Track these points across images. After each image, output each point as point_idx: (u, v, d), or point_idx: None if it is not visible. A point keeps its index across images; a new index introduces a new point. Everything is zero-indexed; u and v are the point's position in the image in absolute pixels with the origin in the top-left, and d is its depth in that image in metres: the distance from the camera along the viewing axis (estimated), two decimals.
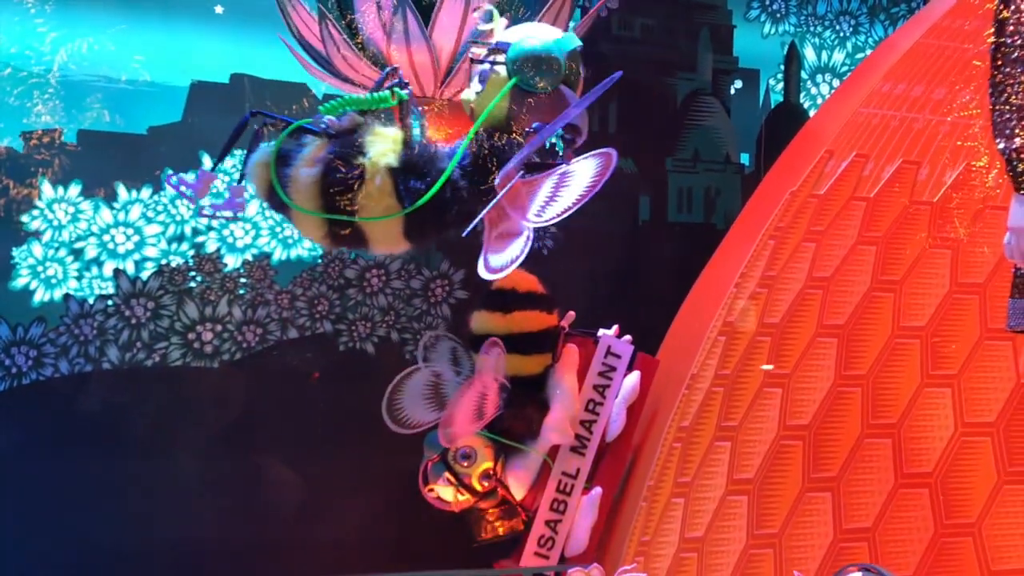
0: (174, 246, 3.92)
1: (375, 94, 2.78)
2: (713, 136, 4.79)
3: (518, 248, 2.68)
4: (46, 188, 3.74)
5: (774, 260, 3.75)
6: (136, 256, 3.86)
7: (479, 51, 2.84)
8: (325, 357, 4.14)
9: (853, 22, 5.07)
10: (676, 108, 4.80)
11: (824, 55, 5.05)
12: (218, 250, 3.99)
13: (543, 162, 2.84)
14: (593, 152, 2.78)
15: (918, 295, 3.94)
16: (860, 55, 5.06)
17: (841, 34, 5.05)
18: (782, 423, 3.74)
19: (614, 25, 4.59)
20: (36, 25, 3.70)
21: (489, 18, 2.89)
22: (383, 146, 2.75)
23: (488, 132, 2.77)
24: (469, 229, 2.71)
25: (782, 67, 5.01)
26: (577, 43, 2.85)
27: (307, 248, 4.12)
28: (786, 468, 3.75)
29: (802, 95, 5.02)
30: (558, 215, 2.72)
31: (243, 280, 3.98)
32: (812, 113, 5.04)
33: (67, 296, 3.77)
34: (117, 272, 3.82)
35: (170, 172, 3.62)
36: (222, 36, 3.99)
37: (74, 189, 3.77)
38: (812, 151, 3.94)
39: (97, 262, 3.80)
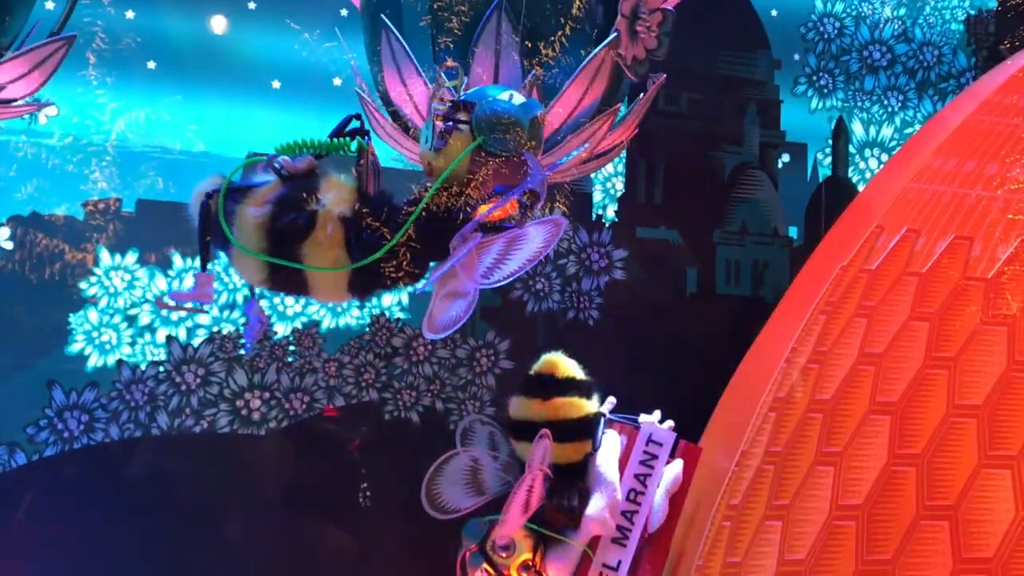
0: (225, 314, 3.98)
1: (335, 140, 2.71)
2: (761, 209, 4.80)
3: (463, 309, 2.60)
4: (103, 255, 3.83)
5: (825, 335, 3.71)
6: (188, 323, 3.92)
7: (441, 107, 2.79)
8: (371, 425, 4.15)
9: (901, 97, 5.08)
10: (723, 181, 4.82)
11: (872, 130, 5.05)
12: (269, 317, 4.04)
13: (497, 224, 2.77)
14: (544, 219, 2.73)
15: (974, 372, 3.86)
16: (909, 130, 5.06)
17: (889, 109, 5.06)
18: (834, 502, 3.65)
19: (660, 100, 4.65)
20: (97, 96, 3.83)
21: (454, 75, 2.85)
22: (338, 194, 2.64)
23: (446, 190, 2.69)
24: (423, 287, 2.68)
25: (830, 141, 5.02)
26: (540, 109, 2.81)
27: (355, 316, 4.16)
28: (839, 549, 3.65)
29: (850, 169, 5.01)
30: (505, 278, 2.65)
31: (292, 348, 4.02)
32: (861, 188, 5.03)
33: (120, 362, 3.83)
34: (169, 339, 3.88)
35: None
36: (279, 108, 4.11)
37: (130, 257, 3.86)
38: (862, 226, 3.92)
39: (150, 328, 3.87)
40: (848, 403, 3.71)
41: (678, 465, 3.52)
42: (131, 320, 3.87)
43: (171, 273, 3.90)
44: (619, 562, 3.44)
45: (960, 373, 3.84)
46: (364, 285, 2.71)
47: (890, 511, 3.72)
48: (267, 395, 3.99)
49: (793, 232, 4.92)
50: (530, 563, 3.37)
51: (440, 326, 2.66)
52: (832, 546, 3.64)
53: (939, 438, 3.79)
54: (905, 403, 3.77)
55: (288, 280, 2.65)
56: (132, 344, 3.87)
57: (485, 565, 3.35)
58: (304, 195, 2.61)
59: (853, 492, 3.69)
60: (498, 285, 2.69)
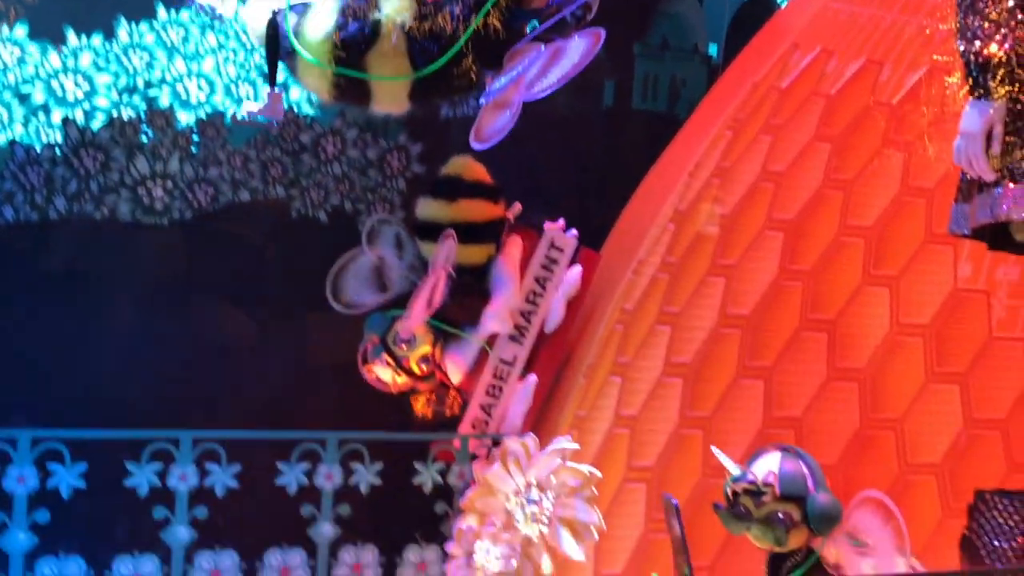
0: (126, 97, 3.83)
1: None
2: (683, 24, 4.72)
3: (507, 119, 2.73)
4: None
5: (730, 150, 3.77)
6: (86, 105, 3.77)
7: None
8: (277, 222, 4.12)
9: None
10: None
11: None
12: (171, 106, 3.91)
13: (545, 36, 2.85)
14: (585, 31, 2.81)
15: (868, 195, 4.00)
16: None
17: None
18: (723, 312, 3.83)
19: None
20: None
21: None
22: (400, 2, 2.71)
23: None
24: (486, 96, 2.76)
25: None
26: None
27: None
28: (723, 355, 3.85)
29: None
30: (547, 89, 2.74)
31: (195, 138, 3.92)
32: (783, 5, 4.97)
33: (13, 143, 3.69)
34: (66, 121, 3.73)
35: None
36: None
37: (20, 30, 3.65)
38: (778, 43, 3.91)
39: (45, 108, 3.72)
40: (746, 219, 3.82)
41: (577, 270, 3.63)
42: (23, 98, 3.70)
43: (65, 50, 3.71)
44: (515, 357, 3.59)
45: (855, 195, 3.97)
46: (426, 94, 2.83)
47: (775, 322, 3.92)
48: (170, 184, 3.92)
49: (713, 50, 4.89)
50: (429, 356, 3.49)
51: (487, 135, 2.77)
52: (717, 351, 3.84)
53: (829, 256, 3.96)
54: (800, 221, 3.90)
55: (352, 90, 2.75)
56: (25, 124, 3.72)
57: (386, 356, 3.46)
58: (366, 4, 2.67)
59: (741, 303, 3.86)
60: (541, 96, 2.76)
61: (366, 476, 3.47)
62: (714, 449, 3.11)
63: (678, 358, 3.79)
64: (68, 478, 3.17)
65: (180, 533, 3.28)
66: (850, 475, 4.03)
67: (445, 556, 3.51)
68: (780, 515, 2.79)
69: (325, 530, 3.44)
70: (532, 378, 3.61)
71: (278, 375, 3.82)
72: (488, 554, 3.37)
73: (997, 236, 3.15)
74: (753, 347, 3.90)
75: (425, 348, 3.48)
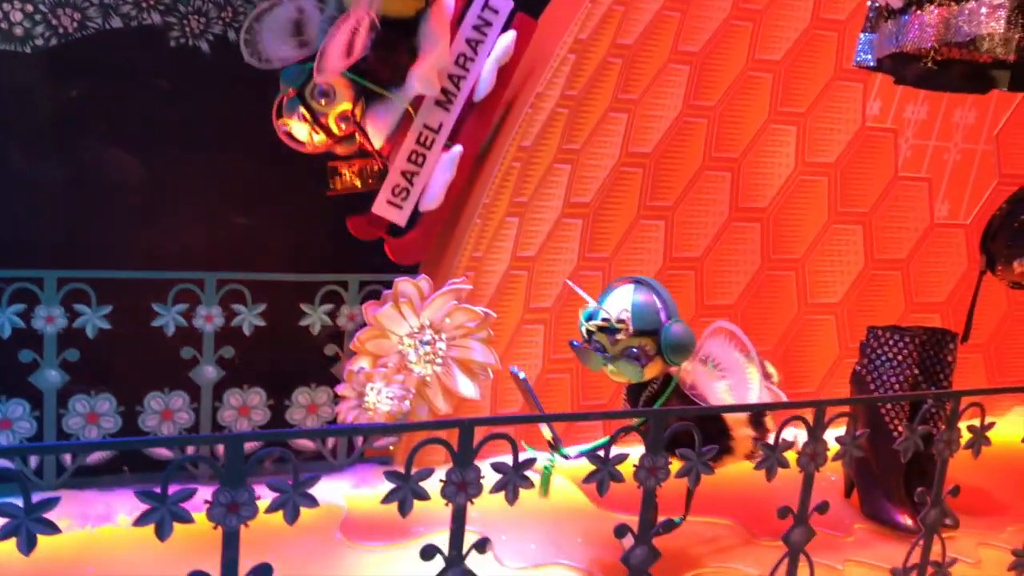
0: None
1: None
2: None
3: None
4: None
5: None
6: None
7: None
8: (154, 52, 3.81)
9: None
10: None
11: None
12: None
13: None
14: None
15: (777, 27, 3.84)
16: None
17: None
18: (624, 149, 3.70)
19: None
20: None
21: None
22: None
23: None
24: None
25: None
26: None
27: None
28: (623, 194, 3.76)
29: None
30: None
31: None
32: None
33: None
34: None
35: None
36: None
37: None
38: None
39: None
40: (650, 51, 3.64)
41: (511, 35, 3.40)
42: None
43: None
44: (440, 125, 3.39)
45: (765, 26, 3.81)
46: None
47: (677, 160, 3.82)
48: (30, 8, 3.56)
49: None
50: (349, 115, 3.25)
51: None
52: (617, 190, 3.74)
53: (734, 91, 3.83)
54: (706, 53, 3.74)
55: None
56: None
57: (302, 110, 3.21)
58: None
59: (644, 140, 3.74)
60: None
61: (248, 317, 3.36)
62: (568, 282, 3.04)
63: (578, 198, 3.68)
64: (94, 318, 3.11)
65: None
66: (749, 315, 4.05)
67: (336, 398, 3.46)
68: (635, 350, 2.76)
69: (207, 372, 3.35)
70: (457, 148, 3.42)
71: (160, 215, 3.60)
72: (380, 395, 3.31)
73: (907, 70, 3.06)
74: (655, 186, 3.80)
75: (345, 105, 3.23)
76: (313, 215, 3.54)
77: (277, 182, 3.56)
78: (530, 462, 2.14)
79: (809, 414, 2.39)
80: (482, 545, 2.14)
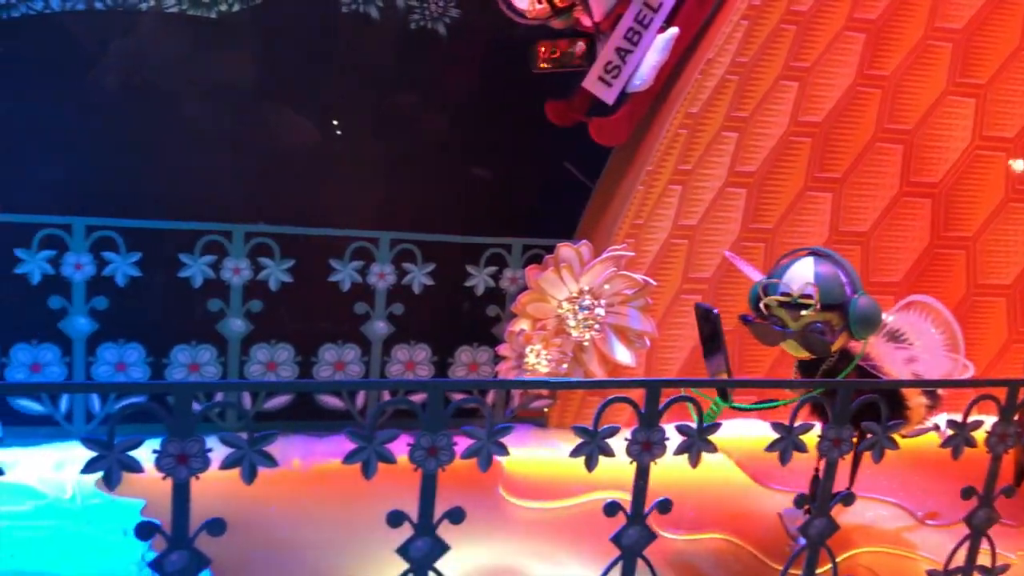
0: None
1: None
2: None
3: None
4: None
5: None
6: None
7: None
8: (327, 17, 3.94)
9: None
10: None
11: None
12: None
13: None
14: None
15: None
16: None
17: None
18: (794, 118, 3.62)
19: None
20: None
21: None
22: None
23: None
24: None
25: None
26: None
27: None
28: (791, 165, 3.68)
29: None
30: None
31: None
32: None
33: None
34: None
35: None
36: None
37: None
38: None
39: None
40: (825, 17, 3.54)
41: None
42: None
43: None
44: (660, 4, 3.39)
45: None
46: None
47: (848, 130, 3.71)
48: None
49: None
50: None
51: None
52: (785, 160, 3.66)
53: (912, 62, 3.69)
54: (883, 21, 3.61)
55: None
56: None
57: None
58: None
59: (815, 109, 3.64)
60: None
61: (418, 276, 3.47)
62: (728, 254, 2.97)
63: (743, 167, 3.62)
64: (123, 266, 3.22)
65: (236, 325, 3.34)
66: (915, 293, 3.91)
67: (496, 357, 3.53)
68: (819, 325, 2.68)
69: (378, 327, 3.47)
70: (673, 30, 3.42)
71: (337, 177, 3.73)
72: (539, 357, 3.36)
73: None
74: (823, 157, 3.71)
75: None
76: (481, 180, 3.63)
77: (449, 147, 3.65)
78: (715, 427, 2.15)
79: (1000, 394, 2.31)
80: (665, 505, 2.17)
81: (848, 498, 2.32)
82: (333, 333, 3.48)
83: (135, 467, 1.81)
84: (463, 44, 3.69)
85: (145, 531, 1.86)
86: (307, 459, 3.19)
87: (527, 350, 3.37)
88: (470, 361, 3.63)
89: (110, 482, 1.81)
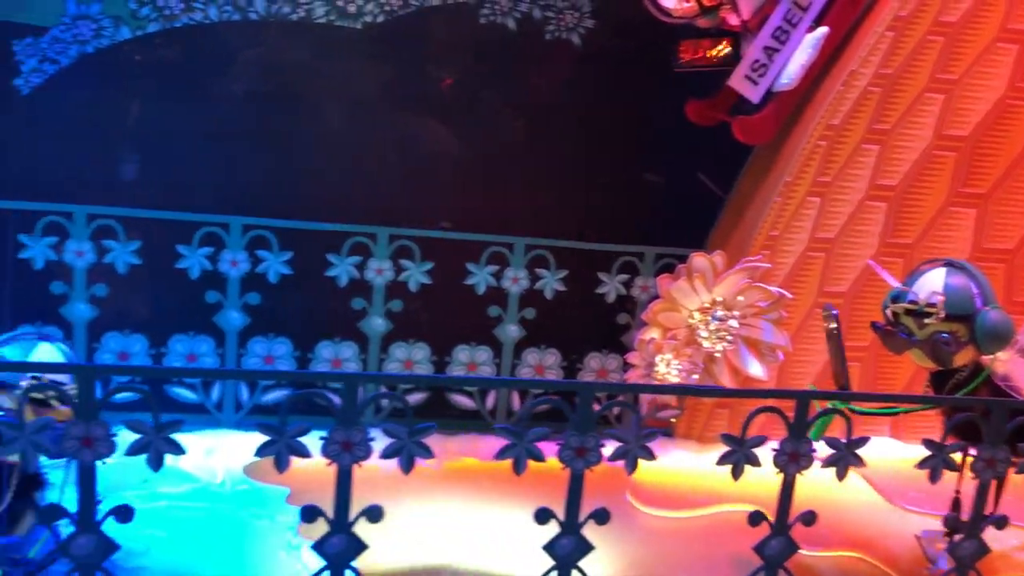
0: None
1: None
2: None
3: None
4: None
5: None
6: None
7: None
8: (466, 28, 4.04)
9: None
10: None
11: None
12: None
13: None
14: None
15: None
16: None
17: None
18: (938, 132, 3.53)
19: None
20: None
21: None
22: None
23: None
24: None
25: None
26: None
27: None
28: (934, 179, 3.58)
29: None
30: None
31: None
32: None
33: None
34: None
35: None
36: None
37: None
38: None
39: None
40: (974, 29, 3.44)
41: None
42: None
43: None
44: (810, 3, 3.35)
45: None
46: None
47: (996, 145, 3.59)
48: None
49: None
50: None
51: None
52: (928, 175, 3.57)
53: None
54: None
55: None
56: None
57: None
58: None
59: (960, 122, 3.54)
60: None
61: (550, 281, 3.53)
62: (871, 263, 2.91)
63: (884, 180, 3.55)
64: (275, 264, 3.39)
65: (377, 324, 3.47)
66: None
67: (625, 365, 3.56)
68: (945, 335, 2.61)
69: (510, 331, 3.55)
70: (823, 30, 3.39)
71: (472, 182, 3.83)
72: (668, 366, 3.37)
73: None
74: (969, 172, 3.60)
75: None
76: (614, 188, 3.66)
77: (583, 156, 3.70)
78: (863, 441, 2.13)
79: None
80: (809, 518, 2.16)
81: (1000, 521, 2.26)
82: (467, 334, 3.57)
83: (303, 452, 1.92)
84: (597, 54, 3.74)
85: (310, 514, 1.96)
86: (440, 456, 3.27)
87: (657, 359, 3.38)
88: (599, 367, 3.66)
89: (280, 465, 1.92)
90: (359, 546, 1.99)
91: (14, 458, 2.42)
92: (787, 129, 3.54)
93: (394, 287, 3.48)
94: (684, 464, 3.40)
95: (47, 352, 2.50)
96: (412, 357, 3.53)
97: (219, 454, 3.17)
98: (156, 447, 1.86)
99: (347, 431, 1.92)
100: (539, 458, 2.00)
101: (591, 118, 3.71)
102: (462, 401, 3.59)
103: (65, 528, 1.90)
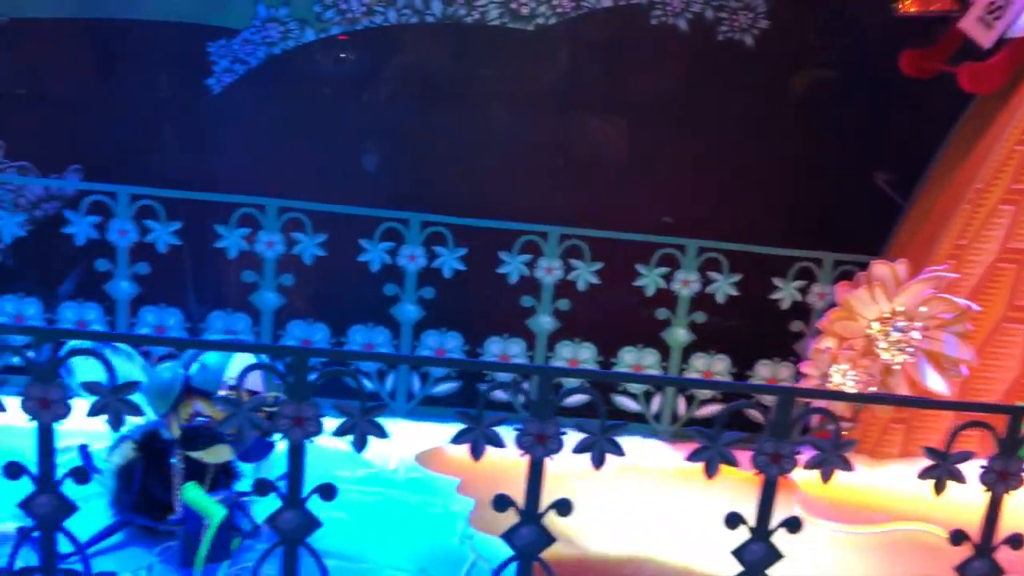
0: None
1: None
2: None
3: None
4: None
5: None
6: None
7: None
8: (636, 29, 4.03)
9: None
10: None
11: None
12: None
13: None
14: None
15: None
16: None
17: None
18: None
19: None
20: None
21: None
22: None
23: None
24: None
25: None
26: None
27: None
28: None
29: None
30: None
31: None
32: None
33: None
34: None
35: None
36: None
37: None
38: None
39: None
40: None
41: None
42: None
43: None
44: None
45: None
46: None
47: None
48: None
49: None
50: None
51: None
52: None
53: None
54: None
55: None
56: None
57: None
58: None
59: None
60: None
61: (723, 285, 3.48)
62: None
63: None
64: (450, 260, 3.49)
65: (545, 322, 3.52)
66: None
67: (798, 375, 3.47)
68: None
69: (678, 334, 3.52)
70: None
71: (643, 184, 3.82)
72: (845, 377, 3.27)
73: None
74: None
75: None
76: (793, 192, 3.59)
77: (755, 158, 3.64)
78: None
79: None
80: (1017, 541, 2.05)
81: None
82: (634, 336, 3.56)
83: (499, 442, 1.97)
84: (771, 56, 3.67)
85: (501, 504, 2.00)
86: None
87: (833, 369, 3.28)
88: (770, 376, 3.58)
89: (476, 453, 1.97)
90: (548, 539, 2.01)
91: (210, 459, 2.61)
92: (976, 135, 3.37)
93: (563, 286, 3.51)
94: (856, 479, 3.28)
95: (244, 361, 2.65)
96: (578, 356, 3.55)
97: (392, 442, 3.26)
98: (361, 429, 1.94)
99: (542, 424, 1.95)
100: (733, 463, 1.98)
101: (765, 121, 3.64)
102: (624, 403, 3.59)
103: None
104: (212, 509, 2.53)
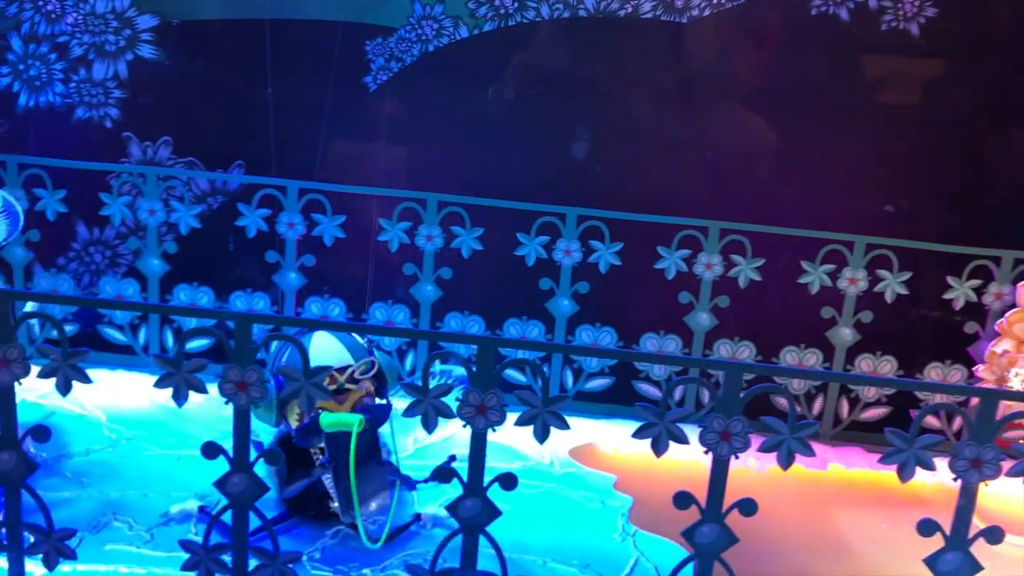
0: None
1: None
2: None
3: None
4: None
5: None
6: None
7: None
8: (794, 18, 3.92)
9: None
10: None
11: None
12: None
13: None
14: None
15: None
16: None
17: None
18: None
19: None
20: None
21: None
22: None
23: None
24: None
25: None
26: None
27: None
28: None
29: None
30: None
31: None
32: None
33: None
34: None
35: None
36: None
37: None
38: None
39: None
40: None
41: None
42: None
43: None
44: None
45: None
46: None
47: None
48: None
49: None
50: None
51: None
52: None
53: None
54: None
55: None
56: None
57: None
58: None
59: None
60: None
61: (892, 284, 3.35)
62: None
63: None
64: (606, 255, 3.49)
65: (703, 319, 3.49)
66: None
67: (971, 378, 3.30)
68: None
69: (843, 334, 3.41)
70: None
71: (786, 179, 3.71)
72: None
73: None
74: None
75: None
76: (968, 186, 3.43)
77: (922, 152, 3.49)
78: None
79: None
80: None
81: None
82: (797, 335, 3.48)
83: (683, 439, 1.95)
84: (939, 45, 3.51)
85: (683, 501, 1.97)
86: (762, 461, 3.20)
87: (1011, 373, 3.12)
88: (940, 379, 3.42)
89: (658, 448, 1.95)
90: (730, 538, 1.97)
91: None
92: None
93: (722, 283, 3.45)
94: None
95: (324, 339, 2.70)
96: (737, 354, 3.48)
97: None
98: (543, 420, 1.95)
99: (727, 420, 1.91)
100: (930, 467, 1.89)
101: (937, 111, 3.49)
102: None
103: None
104: (348, 419, 2.51)
